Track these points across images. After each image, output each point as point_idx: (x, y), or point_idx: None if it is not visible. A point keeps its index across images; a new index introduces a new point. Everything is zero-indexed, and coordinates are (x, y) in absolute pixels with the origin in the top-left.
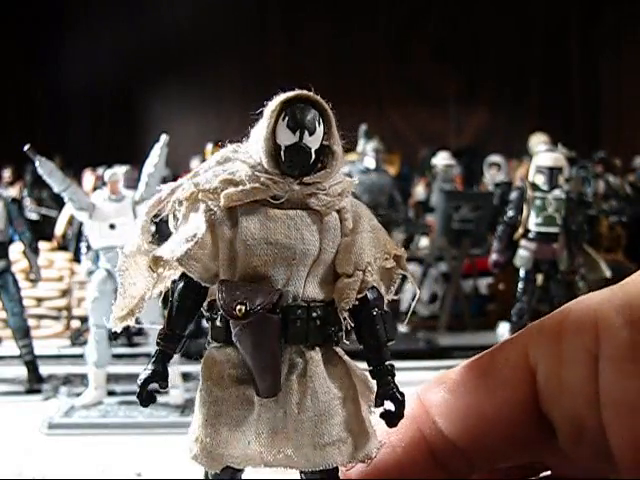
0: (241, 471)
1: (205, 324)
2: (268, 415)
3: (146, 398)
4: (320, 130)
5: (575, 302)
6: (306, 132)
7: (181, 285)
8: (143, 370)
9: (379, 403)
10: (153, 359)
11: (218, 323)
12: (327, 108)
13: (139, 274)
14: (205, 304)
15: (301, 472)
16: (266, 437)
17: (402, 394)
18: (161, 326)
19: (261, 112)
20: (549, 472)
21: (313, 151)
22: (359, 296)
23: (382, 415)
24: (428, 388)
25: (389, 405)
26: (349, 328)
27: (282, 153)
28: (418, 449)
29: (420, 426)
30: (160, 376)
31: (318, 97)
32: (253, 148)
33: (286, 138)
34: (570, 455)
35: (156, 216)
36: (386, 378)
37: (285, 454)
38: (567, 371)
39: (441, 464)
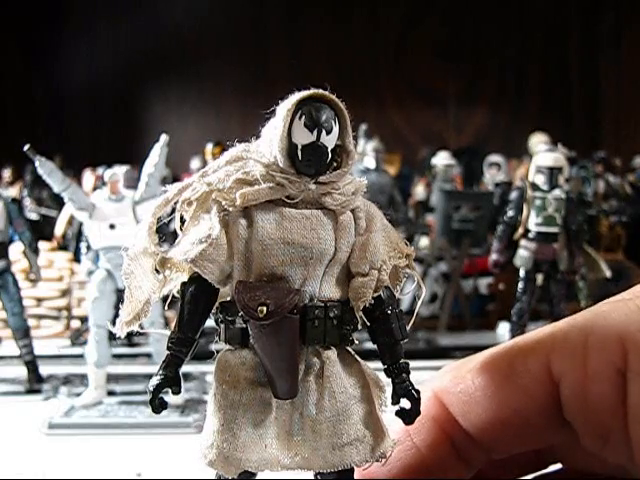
0: (254, 476)
1: (207, 325)
2: (284, 417)
3: (158, 405)
4: (336, 129)
5: (597, 315)
6: (323, 131)
7: (193, 287)
8: (154, 376)
9: (395, 401)
10: (164, 364)
11: (233, 325)
12: (342, 107)
13: (144, 277)
14: (216, 306)
15: (316, 473)
16: (283, 440)
17: (418, 391)
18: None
19: (272, 111)
20: (560, 465)
21: (329, 150)
22: (375, 295)
23: (398, 413)
24: (445, 389)
25: (405, 403)
26: (362, 327)
27: (299, 152)
28: (444, 448)
29: (443, 426)
30: (172, 382)
31: (333, 96)
32: (266, 147)
33: (303, 137)
34: (593, 453)
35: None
36: (402, 376)
37: (302, 456)
38: (593, 385)
39: (463, 457)
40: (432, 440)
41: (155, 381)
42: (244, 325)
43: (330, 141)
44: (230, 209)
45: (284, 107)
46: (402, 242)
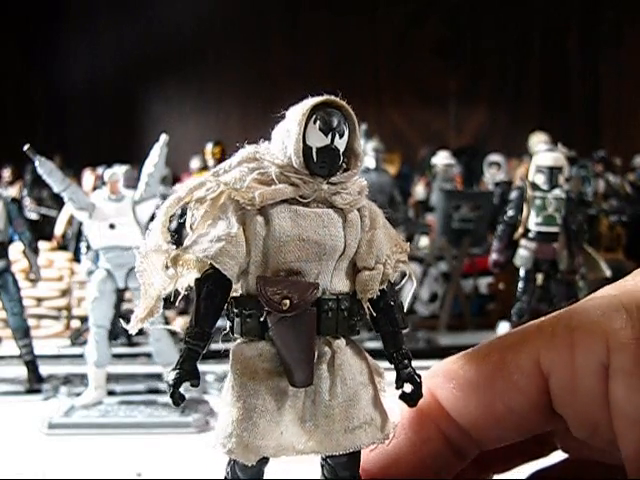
0: (265, 465)
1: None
2: (298, 405)
3: (179, 398)
4: (347, 133)
5: (582, 311)
6: (337, 135)
7: (209, 283)
8: (172, 370)
9: (400, 385)
10: (182, 359)
11: (250, 319)
12: (351, 113)
13: (155, 274)
14: (228, 301)
15: (325, 457)
16: (297, 426)
17: (419, 376)
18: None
19: (282, 115)
20: (567, 455)
21: (341, 153)
22: (380, 287)
23: (401, 397)
24: (438, 384)
25: (408, 387)
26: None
27: (314, 154)
28: (437, 441)
29: (436, 421)
30: (191, 375)
31: (344, 102)
32: (278, 149)
33: (318, 140)
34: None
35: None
36: (404, 362)
37: (315, 440)
38: (580, 380)
39: (457, 450)
40: (427, 435)
41: (174, 375)
42: (262, 318)
43: (342, 144)
44: (248, 208)
45: (298, 112)
46: (400, 238)
